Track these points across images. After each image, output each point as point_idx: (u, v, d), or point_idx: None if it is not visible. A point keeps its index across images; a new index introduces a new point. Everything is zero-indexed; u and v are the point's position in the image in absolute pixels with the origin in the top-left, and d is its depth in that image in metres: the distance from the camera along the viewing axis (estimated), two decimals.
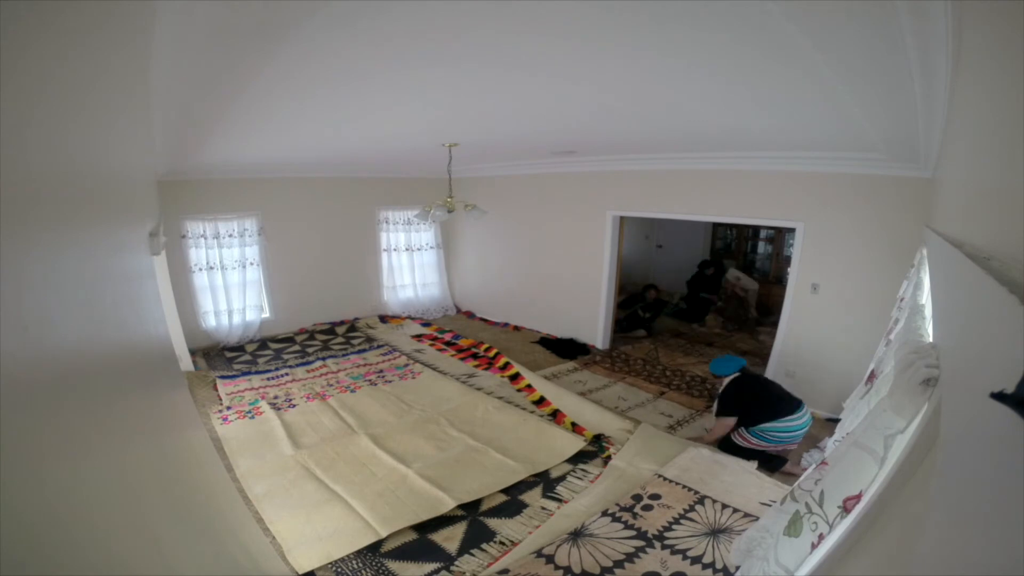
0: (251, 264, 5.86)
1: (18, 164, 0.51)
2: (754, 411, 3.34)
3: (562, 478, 3.16)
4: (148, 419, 1.27)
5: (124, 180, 1.51)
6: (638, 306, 6.56)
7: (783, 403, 3.33)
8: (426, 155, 4.82)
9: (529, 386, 4.56)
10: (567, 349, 5.71)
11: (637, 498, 2.87)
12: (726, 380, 3.51)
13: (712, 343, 6.09)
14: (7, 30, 0.45)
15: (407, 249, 7.19)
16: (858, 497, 1.10)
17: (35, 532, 0.48)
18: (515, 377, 4.79)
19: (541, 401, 4.26)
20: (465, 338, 6.11)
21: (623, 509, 2.78)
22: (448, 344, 5.97)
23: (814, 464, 1.95)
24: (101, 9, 0.81)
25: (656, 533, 2.58)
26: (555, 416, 3.97)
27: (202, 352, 5.50)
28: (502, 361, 5.17)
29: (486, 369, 5.11)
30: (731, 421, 3.43)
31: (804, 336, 4.15)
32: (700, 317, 6.93)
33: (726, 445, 3.41)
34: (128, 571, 0.73)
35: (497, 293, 7.06)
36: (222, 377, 4.79)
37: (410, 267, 7.26)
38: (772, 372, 4.37)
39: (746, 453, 3.30)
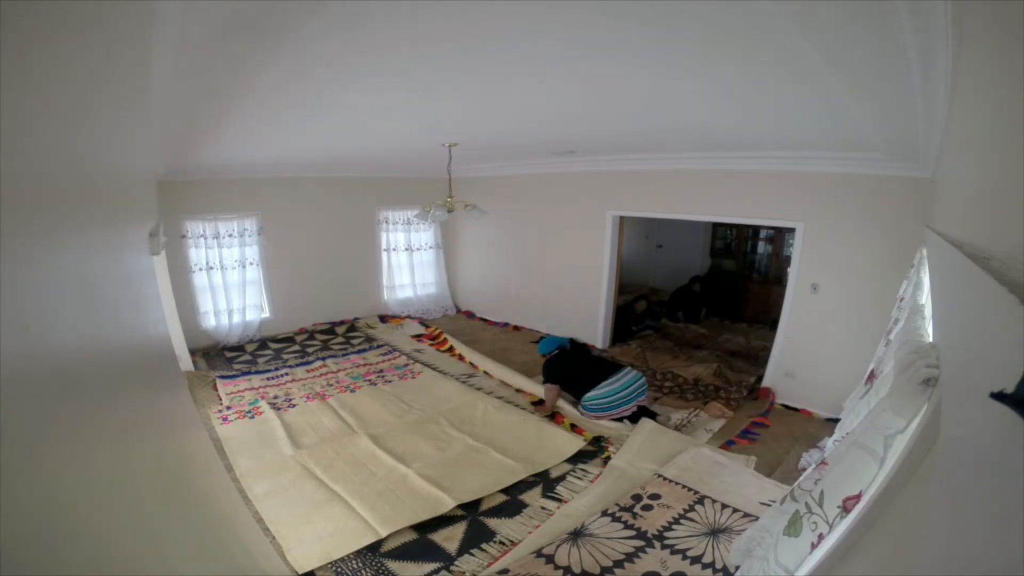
0: (251, 264, 5.85)
1: (18, 164, 0.51)
2: (573, 380, 3.77)
3: (562, 478, 3.16)
4: (148, 419, 1.27)
5: (124, 180, 1.51)
6: (629, 320, 6.37)
7: (598, 368, 3.71)
8: (426, 155, 4.82)
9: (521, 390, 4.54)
10: None
11: (637, 498, 2.87)
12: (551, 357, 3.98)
13: (701, 346, 6.00)
14: (7, 30, 0.45)
15: (407, 249, 7.19)
16: (858, 497, 1.10)
17: (35, 532, 0.48)
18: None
19: (540, 403, 4.26)
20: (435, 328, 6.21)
21: (623, 509, 2.78)
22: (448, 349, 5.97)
23: (814, 464, 1.95)
24: (101, 9, 0.81)
25: (656, 533, 2.58)
26: (553, 417, 3.97)
27: (202, 352, 5.50)
28: (446, 346, 5.38)
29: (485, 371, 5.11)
30: (554, 387, 3.87)
31: (804, 336, 4.15)
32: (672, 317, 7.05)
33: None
34: (127, 571, 0.73)
35: (497, 293, 7.06)
36: (222, 377, 4.79)
37: (410, 267, 7.26)
38: (772, 372, 4.37)
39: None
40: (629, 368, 3.63)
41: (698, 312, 7.06)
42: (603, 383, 3.51)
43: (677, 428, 3.87)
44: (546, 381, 3.90)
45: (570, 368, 3.84)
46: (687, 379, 4.81)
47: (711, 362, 5.18)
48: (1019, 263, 0.54)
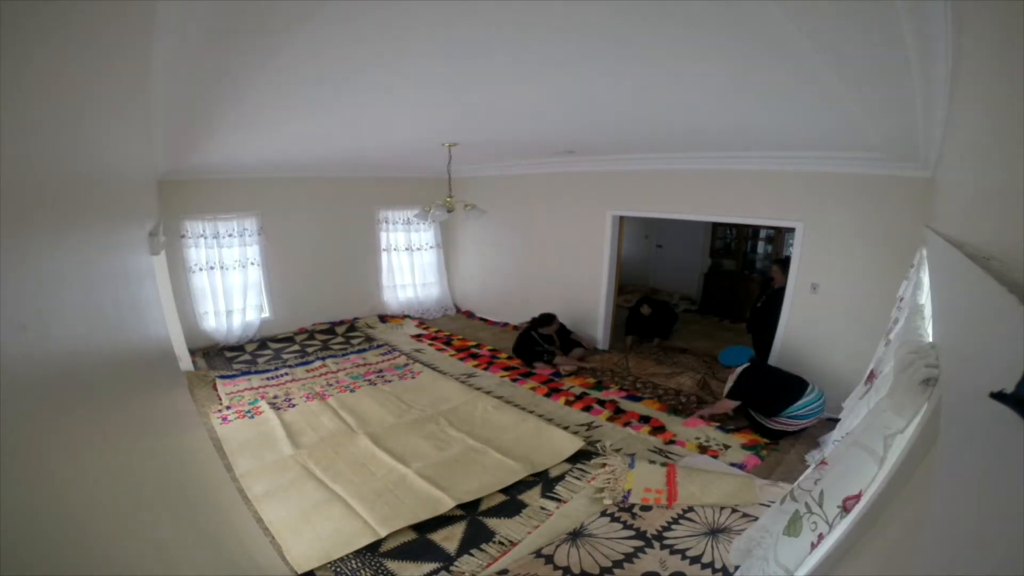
0: (251, 264, 5.86)
1: (18, 164, 0.51)
2: (769, 400, 3.61)
3: (561, 478, 3.16)
4: (148, 419, 1.27)
5: (124, 180, 1.51)
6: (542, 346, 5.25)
7: (793, 389, 3.58)
8: (426, 155, 4.82)
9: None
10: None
11: None
12: (738, 369, 3.77)
13: (686, 350, 5.73)
14: (7, 30, 0.45)
15: (407, 249, 7.19)
16: (858, 497, 1.10)
17: (35, 532, 0.48)
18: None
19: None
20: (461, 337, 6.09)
21: (622, 509, 2.78)
22: (447, 343, 5.97)
23: (814, 464, 1.95)
24: (101, 9, 0.81)
25: (655, 533, 2.58)
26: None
27: (202, 352, 5.50)
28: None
29: (486, 369, 5.12)
30: (733, 404, 3.76)
31: (804, 336, 4.15)
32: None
33: (761, 429, 3.64)
34: (127, 571, 0.73)
35: (497, 293, 7.06)
36: (222, 377, 4.79)
37: (410, 267, 7.26)
38: None
39: (774, 434, 3.60)
40: (811, 384, 3.59)
41: (648, 336, 6.05)
42: (800, 402, 3.48)
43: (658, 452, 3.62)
44: (732, 396, 3.74)
45: (760, 385, 3.67)
46: (669, 389, 4.58)
47: (697, 369, 5.01)
48: (1019, 263, 0.54)
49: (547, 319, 5.25)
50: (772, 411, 3.55)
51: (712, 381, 4.77)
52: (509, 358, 5.39)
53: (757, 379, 3.70)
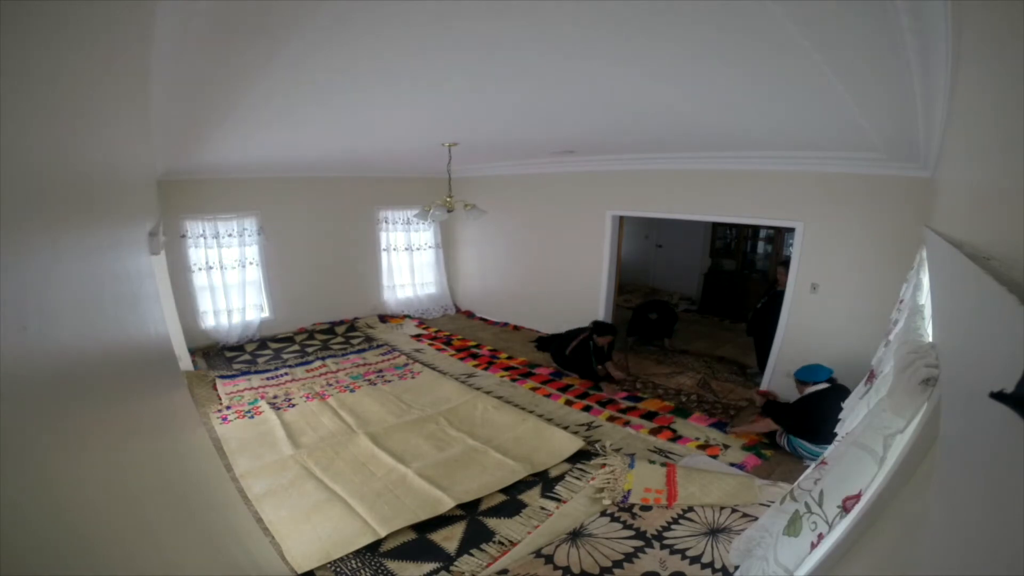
0: (251, 264, 5.86)
1: (17, 164, 0.51)
2: (802, 426, 3.31)
3: (561, 478, 3.16)
4: (147, 419, 1.27)
5: (124, 180, 1.51)
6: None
7: (828, 433, 3.20)
8: (426, 155, 4.82)
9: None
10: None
11: None
12: (808, 389, 3.36)
13: (686, 350, 5.71)
14: (7, 29, 0.45)
15: (407, 249, 7.20)
16: (857, 497, 1.10)
17: (34, 532, 0.48)
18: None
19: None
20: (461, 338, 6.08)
21: (622, 509, 2.78)
22: (447, 343, 5.97)
23: (814, 464, 1.95)
24: (101, 9, 0.81)
25: (655, 533, 2.58)
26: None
27: (202, 352, 5.50)
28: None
29: (486, 369, 5.11)
30: (773, 424, 3.48)
31: (803, 336, 4.15)
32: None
33: (769, 435, 3.55)
34: (126, 571, 0.73)
35: (497, 293, 7.06)
36: (222, 377, 4.79)
37: (409, 267, 7.27)
38: (771, 372, 4.37)
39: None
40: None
41: (649, 338, 5.98)
42: (822, 444, 3.00)
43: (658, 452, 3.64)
44: (778, 416, 3.38)
45: (810, 416, 3.19)
46: (669, 389, 4.59)
47: (697, 369, 5.02)
48: (1019, 263, 0.54)
49: (609, 329, 4.63)
50: (797, 433, 3.28)
51: (712, 381, 4.77)
52: (560, 373, 4.93)
53: (823, 407, 3.01)
